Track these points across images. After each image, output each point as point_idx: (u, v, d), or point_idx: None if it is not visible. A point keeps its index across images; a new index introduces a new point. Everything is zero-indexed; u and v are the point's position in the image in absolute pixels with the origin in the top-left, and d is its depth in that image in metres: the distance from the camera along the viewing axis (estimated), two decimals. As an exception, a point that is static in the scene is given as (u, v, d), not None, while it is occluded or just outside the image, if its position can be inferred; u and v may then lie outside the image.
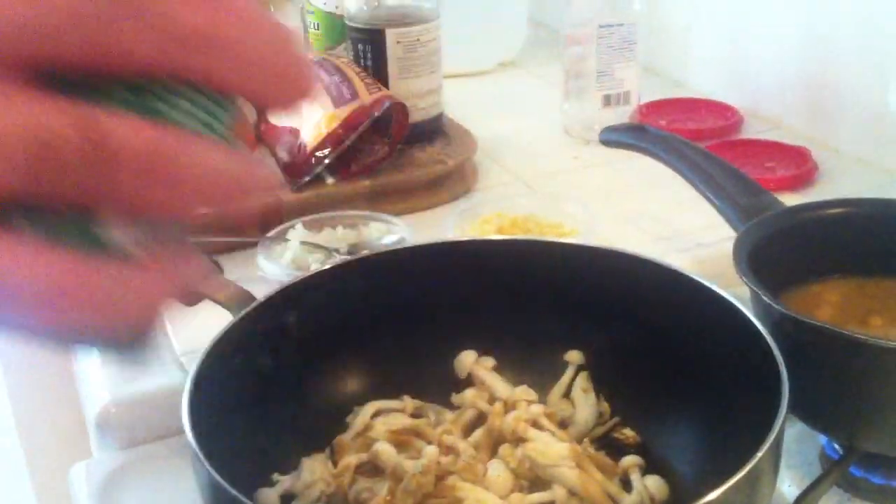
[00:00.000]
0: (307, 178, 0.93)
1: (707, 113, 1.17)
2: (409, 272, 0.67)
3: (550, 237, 0.81)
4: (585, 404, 0.63)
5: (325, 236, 0.84)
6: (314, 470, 0.57)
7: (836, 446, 0.62)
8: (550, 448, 0.57)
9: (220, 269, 0.66)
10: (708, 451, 0.57)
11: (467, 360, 0.66)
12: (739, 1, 1.18)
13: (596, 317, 0.65)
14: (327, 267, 0.66)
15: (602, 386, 0.65)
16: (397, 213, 0.89)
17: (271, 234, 0.84)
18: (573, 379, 0.65)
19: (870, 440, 0.58)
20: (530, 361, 0.67)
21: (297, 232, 0.83)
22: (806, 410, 0.61)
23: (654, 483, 0.57)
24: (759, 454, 0.46)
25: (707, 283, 0.60)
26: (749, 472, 0.45)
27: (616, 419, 0.64)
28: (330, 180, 0.94)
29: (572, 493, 0.56)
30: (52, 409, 1.77)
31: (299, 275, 0.65)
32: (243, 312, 0.60)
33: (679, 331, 0.61)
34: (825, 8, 1.05)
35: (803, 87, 1.11)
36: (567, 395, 0.65)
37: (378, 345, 0.66)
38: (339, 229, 0.85)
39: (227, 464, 0.48)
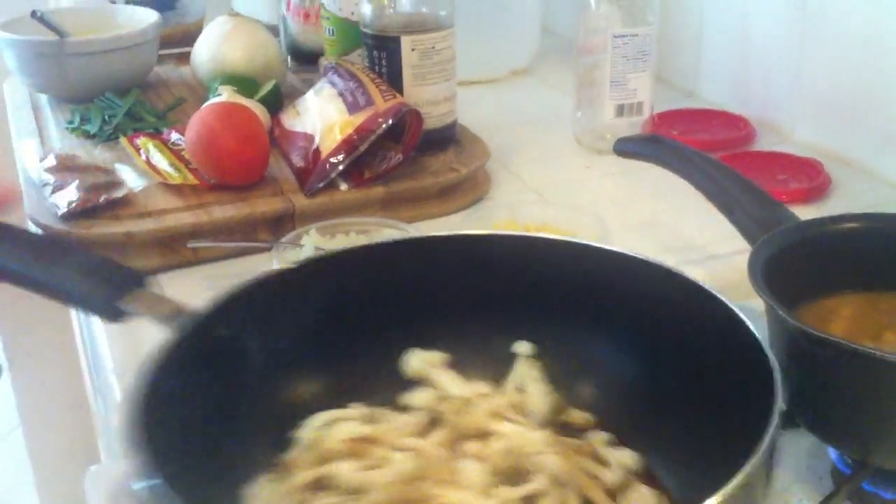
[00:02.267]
0: (321, 184, 0.93)
1: (719, 124, 1.17)
2: (351, 274, 0.64)
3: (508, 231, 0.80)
4: (539, 393, 0.62)
5: (339, 242, 0.84)
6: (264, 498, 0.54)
7: (849, 461, 0.62)
8: (528, 437, 0.56)
9: (141, 283, 0.61)
10: (696, 460, 0.55)
11: (415, 360, 0.63)
12: (750, 12, 1.18)
13: (548, 309, 0.64)
14: (262, 277, 0.61)
15: (561, 379, 0.64)
16: (410, 220, 0.90)
17: (285, 239, 0.85)
18: (525, 370, 0.64)
19: (882, 455, 0.58)
20: (480, 357, 0.65)
21: (311, 237, 0.84)
22: (818, 425, 0.61)
23: (627, 455, 0.56)
24: (751, 463, 0.44)
25: (692, 279, 0.59)
26: (740, 483, 0.43)
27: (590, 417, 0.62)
28: (343, 186, 0.94)
29: (554, 479, 0.54)
30: (58, 415, 1.78)
31: (232, 287, 0.60)
32: (179, 326, 0.56)
33: (664, 331, 0.60)
34: (837, 22, 1.05)
35: (815, 99, 1.11)
36: (518, 387, 0.63)
37: (325, 351, 0.62)
38: (353, 235, 0.85)
39: (176, 478, 0.45)
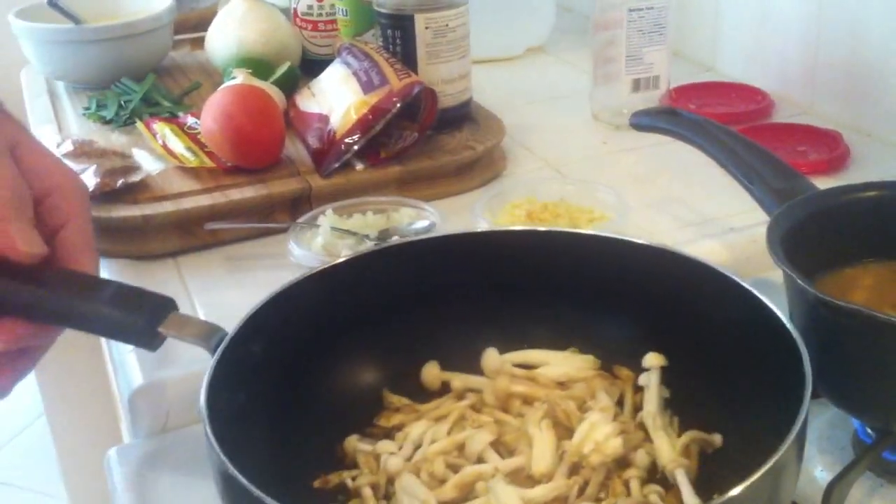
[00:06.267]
0: (337, 164, 0.93)
1: (737, 97, 1.16)
2: (426, 263, 0.66)
3: (568, 228, 0.80)
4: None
5: (356, 222, 0.84)
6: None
7: (870, 431, 0.61)
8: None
9: (175, 306, 0.60)
10: (731, 445, 0.57)
11: (492, 360, 0.66)
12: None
13: (609, 308, 0.65)
14: (350, 257, 0.66)
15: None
16: (426, 199, 0.89)
17: (302, 219, 0.85)
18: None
19: (904, 424, 0.58)
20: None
21: (328, 217, 0.84)
22: (839, 394, 0.61)
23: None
24: (784, 447, 0.45)
25: (725, 272, 0.60)
26: (773, 466, 0.45)
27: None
28: (359, 166, 0.94)
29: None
30: (81, 397, 1.79)
31: (320, 265, 0.64)
32: (265, 300, 0.59)
33: (695, 320, 0.61)
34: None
35: (834, 70, 1.10)
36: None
37: (396, 337, 0.66)
38: (370, 215, 0.85)
39: (244, 454, 0.48)
